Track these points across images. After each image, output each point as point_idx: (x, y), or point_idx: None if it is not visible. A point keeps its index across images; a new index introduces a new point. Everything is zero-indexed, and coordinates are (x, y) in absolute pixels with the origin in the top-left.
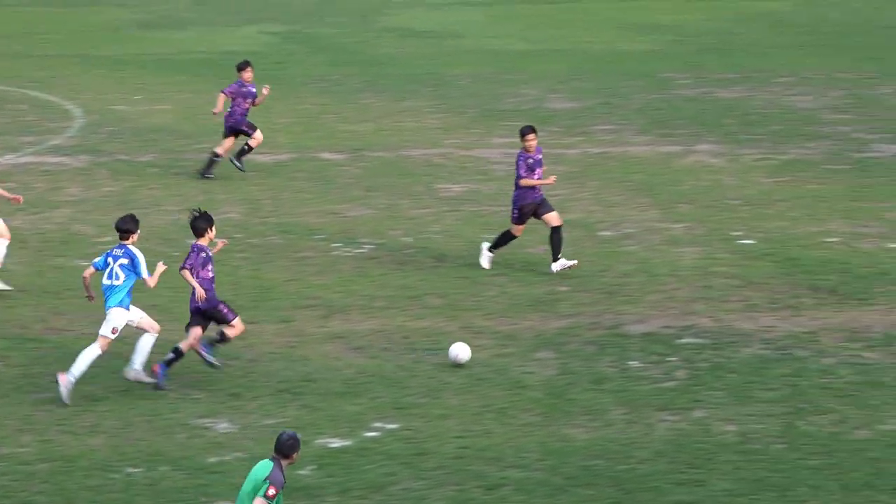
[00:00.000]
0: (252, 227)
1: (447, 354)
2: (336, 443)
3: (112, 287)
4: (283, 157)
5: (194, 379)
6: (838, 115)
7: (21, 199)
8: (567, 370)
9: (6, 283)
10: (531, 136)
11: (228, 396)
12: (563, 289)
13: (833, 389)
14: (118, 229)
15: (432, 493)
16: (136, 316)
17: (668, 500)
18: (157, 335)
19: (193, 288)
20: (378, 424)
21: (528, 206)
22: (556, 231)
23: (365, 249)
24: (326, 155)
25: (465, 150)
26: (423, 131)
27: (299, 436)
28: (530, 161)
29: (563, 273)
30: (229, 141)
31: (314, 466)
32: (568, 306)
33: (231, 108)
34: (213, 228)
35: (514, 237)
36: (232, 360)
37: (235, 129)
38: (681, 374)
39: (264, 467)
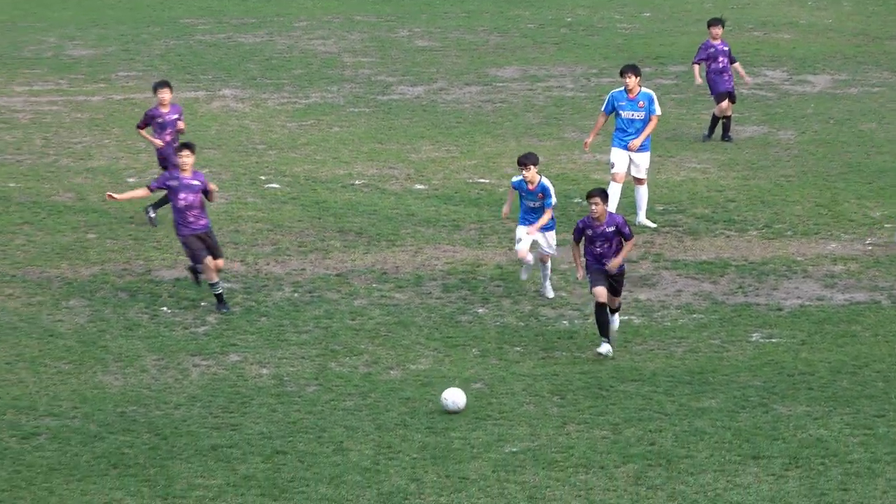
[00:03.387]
0: None
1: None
2: None
3: None
4: None
5: None
6: (359, 59)
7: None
8: (99, 318)
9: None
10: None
11: None
12: (92, 236)
13: (365, 331)
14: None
15: None
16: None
17: (205, 444)
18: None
19: None
20: None
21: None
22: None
23: None
24: None
25: None
26: None
27: None
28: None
29: (90, 221)
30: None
31: None
32: (97, 253)
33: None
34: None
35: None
36: None
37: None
38: (212, 318)
39: None
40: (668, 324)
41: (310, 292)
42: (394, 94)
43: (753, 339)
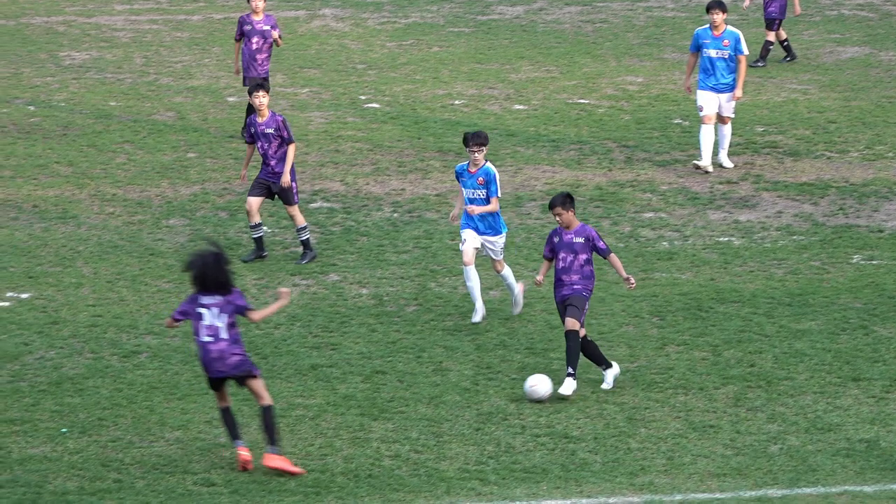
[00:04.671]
0: None
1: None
2: None
3: None
4: None
5: None
6: None
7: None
8: (198, 237)
9: None
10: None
11: None
12: (192, 155)
13: None
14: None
15: (68, 361)
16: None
17: (304, 363)
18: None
19: None
20: (10, 294)
21: None
22: None
23: None
24: None
25: (86, 18)
26: None
27: None
28: None
29: (189, 139)
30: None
31: None
32: (197, 173)
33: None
34: None
35: None
36: None
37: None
38: (312, 238)
39: None
40: (769, 245)
41: (409, 212)
42: (493, 13)
43: (854, 260)
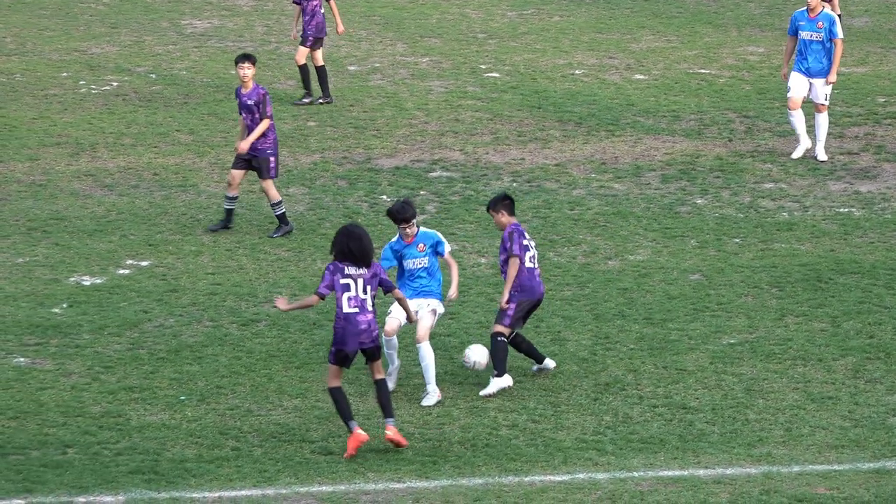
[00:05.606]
0: None
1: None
2: (88, 280)
3: None
4: None
5: None
6: None
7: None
8: (318, 206)
9: None
10: None
11: None
12: (312, 124)
13: (583, 221)
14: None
15: (187, 329)
16: None
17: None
18: None
19: None
20: (130, 262)
21: None
22: None
23: (111, 86)
24: None
25: None
26: None
27: None
28: None
29: (310, 108)
30: None
31: (67, 304)
32: (317, 141)
33: None
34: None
35: None
36: None
37: None
38: (431, 207)
39: None
40: (889, 216)
41: (528, 182)
42: None
43: None
